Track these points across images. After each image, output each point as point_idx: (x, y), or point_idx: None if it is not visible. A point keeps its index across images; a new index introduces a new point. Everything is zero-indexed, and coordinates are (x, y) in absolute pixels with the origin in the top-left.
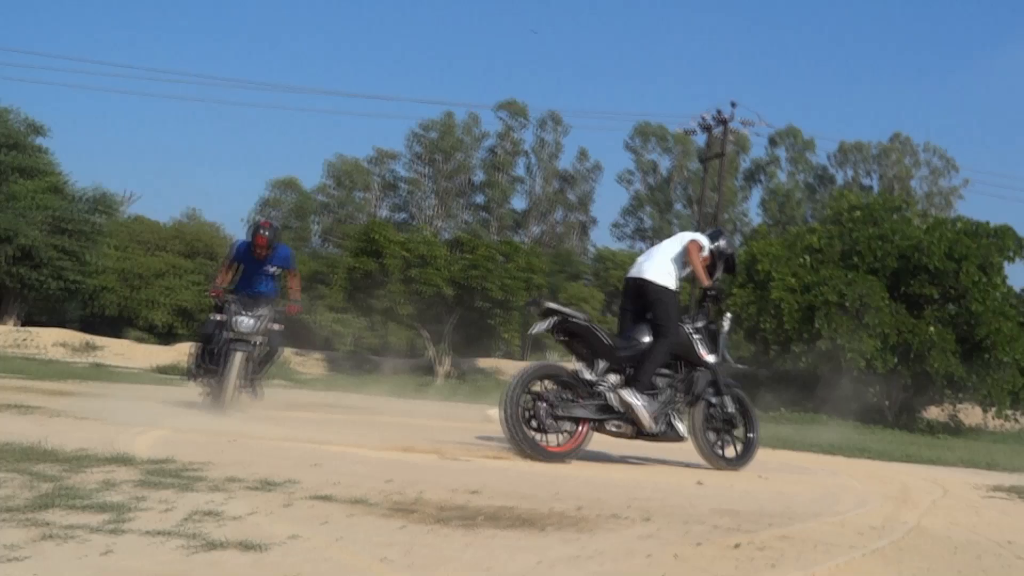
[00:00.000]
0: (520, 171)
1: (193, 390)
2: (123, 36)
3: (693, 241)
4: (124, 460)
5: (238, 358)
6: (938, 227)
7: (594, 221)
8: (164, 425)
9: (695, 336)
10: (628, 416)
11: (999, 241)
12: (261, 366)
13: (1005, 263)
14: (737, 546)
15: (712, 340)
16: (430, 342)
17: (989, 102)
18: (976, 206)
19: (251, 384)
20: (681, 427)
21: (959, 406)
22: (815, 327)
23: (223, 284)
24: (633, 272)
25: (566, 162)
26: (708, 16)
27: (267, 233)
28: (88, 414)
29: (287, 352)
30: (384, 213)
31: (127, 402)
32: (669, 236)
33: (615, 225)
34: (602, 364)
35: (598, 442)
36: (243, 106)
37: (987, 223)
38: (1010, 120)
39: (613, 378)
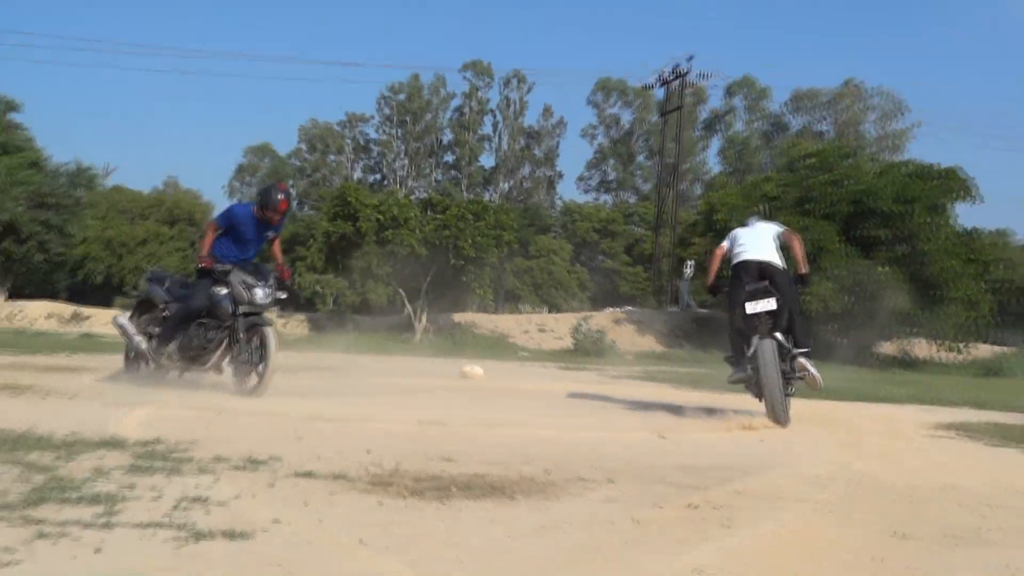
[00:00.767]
0: (487, 129)
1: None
2: (94, 11)
3: (795, 234)
4: (115, 443)
5: (272, 335)
6: (888, 171)
7: (560, 175)
8: (152, 401)
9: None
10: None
11: (946, 183)
12: None
13: (952, 204)
14: (695, 507)
15: None
16: (407, 300)
17: (942, 44)
18: (931, 148)
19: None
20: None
21: (911, 340)
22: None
23: (207, 252)
24: (756, 257)
25: (531, 119)
26: None
27: (286, 197)
28: (79, 392)
29: (269, 314)
30: (358, 175)
31: (115, 377)
32: (632, 187)
33: (580, 178)
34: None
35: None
36: (215, 76)
37: (935, 166)
38: (964, 62)
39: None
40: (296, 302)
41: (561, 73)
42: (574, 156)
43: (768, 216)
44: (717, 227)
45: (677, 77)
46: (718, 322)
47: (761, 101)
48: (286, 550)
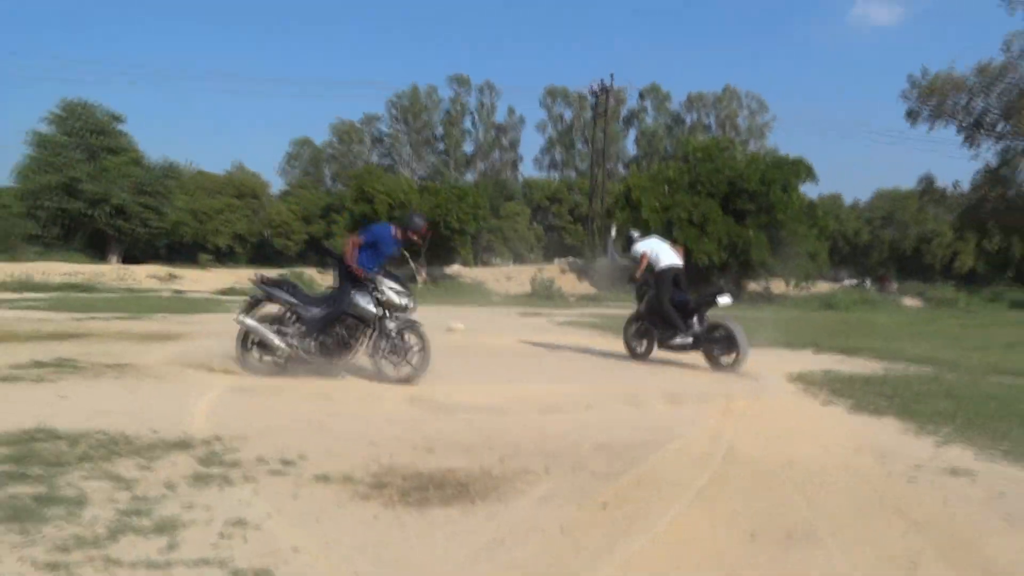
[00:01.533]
0: (467, 125)
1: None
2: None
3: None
4: (184, 444)
5: (427, 333)
6: (754, 161)
7: (521, 158)
8: (221, 385)
9: None
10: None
11: (795, 169)
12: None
13: (799, 184)
14: (606, 506)
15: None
16: (410, 258)
17: (798, 58)
18: (784, 136)
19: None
20: None
21: (770, 281)
22: (673, 236)
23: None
24: (677, 263)
25: (500, 117)
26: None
27: (426, 222)
28: (165, 374)
29: (312, 271)
30: (374, 159)
31: (193, 351)
32: (573, 166)
33: (535, 161)
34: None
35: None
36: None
37: (787, 156)
38: (809, 70)
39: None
40: (323, 262)
41: (520, 83)
42: (531, 144)
43: (670, 195)
44: (632, 203)
45: (604, 91)
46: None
47: (664, 102)
48: None
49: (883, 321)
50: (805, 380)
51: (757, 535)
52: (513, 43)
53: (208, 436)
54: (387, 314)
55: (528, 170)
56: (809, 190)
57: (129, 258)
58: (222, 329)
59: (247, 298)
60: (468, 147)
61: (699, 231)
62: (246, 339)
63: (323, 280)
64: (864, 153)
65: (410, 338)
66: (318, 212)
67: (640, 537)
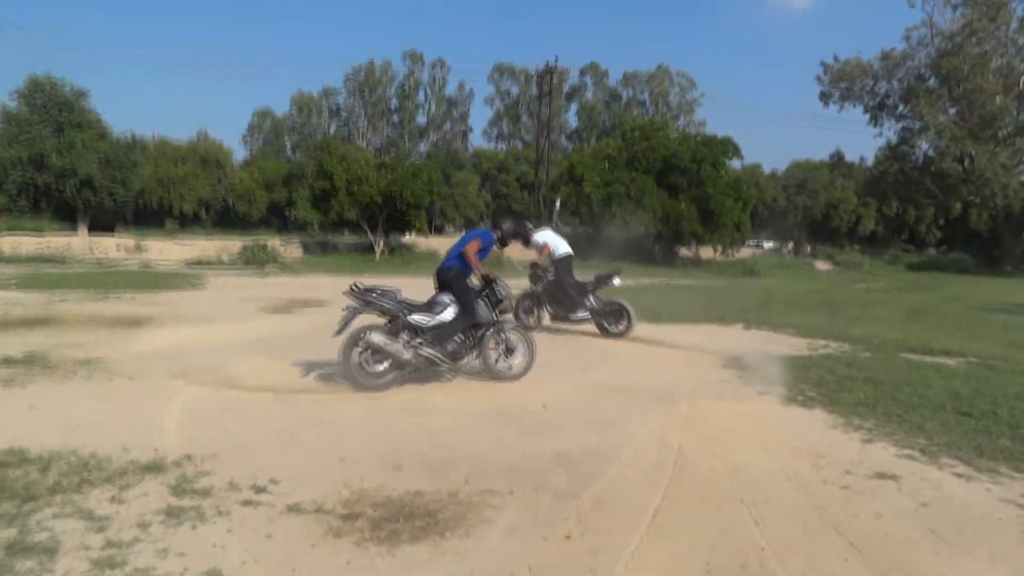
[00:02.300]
0: (421, 98)
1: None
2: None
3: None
4: (155, 468)
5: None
6: (686, 140)
7: (471, 129)
8: (189, 388)
9: None
10: None
11: (723, 147)
12: None
13: (727, 161)
14: (569, 538)
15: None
16: (369, 231)
17: (725, 38)
18: (713, 111)
19: None
20: None
21: (700, 248)
22: (612, 209)
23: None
24: (571, 251)
25: (451, 90)
26: None
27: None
28: (136, 371)
29: (276, 241)
30: (332, 131)
31: (164, 342)
32: (520, 138)
33: (484, 132)
34: None
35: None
36: (235, 65)
37: (716, 135)
38: (736, 48)
39: None
40: (285, 227)
41: (470, 59)
42: (480, 116)
43: (609, 171)
44: (576, 179)
45: (548, 71)
46: (577, 239)
47: (603, 79)
48: None
49: (801, 289)
50: (739, 366)
51: (713, 571)
52: (464, 22)
53: (179, 456)
54: (499, 316)
55: (477, 141)
56: (735, 163)
57: (97, 225)
58: (186, 311)
59: (344, 312)
60: (421, 119)
61: (636, 204)
62: (353, 353)
63: (286, 252)
64: (781, 127)
65: (515, 337)
66: (279, 180)
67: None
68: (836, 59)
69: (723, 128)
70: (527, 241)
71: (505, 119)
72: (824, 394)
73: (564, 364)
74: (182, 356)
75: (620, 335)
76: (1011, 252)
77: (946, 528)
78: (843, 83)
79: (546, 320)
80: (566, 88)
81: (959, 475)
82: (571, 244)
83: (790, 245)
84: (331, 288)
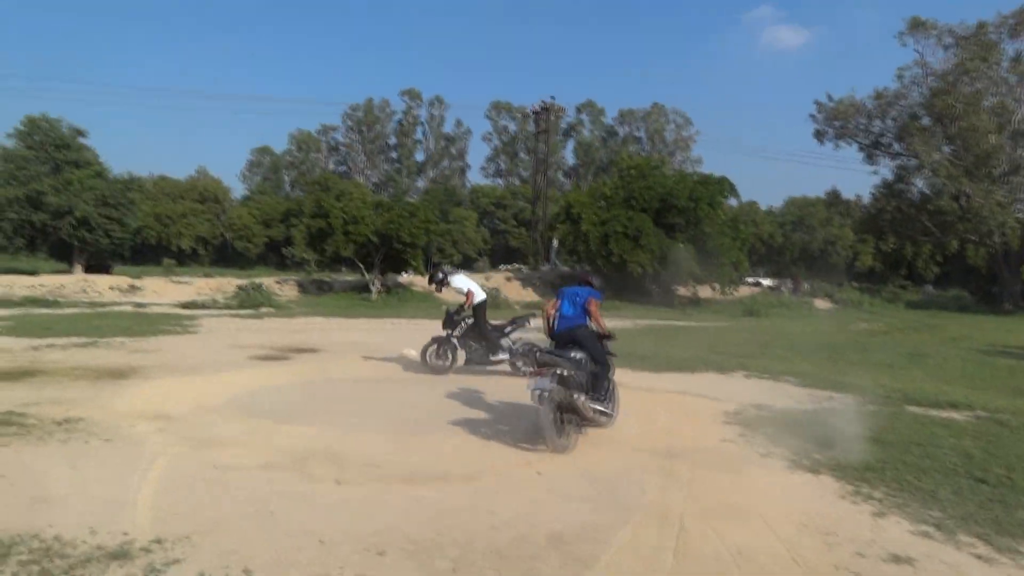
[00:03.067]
0: (419, 135)
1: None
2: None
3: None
4: (122, 555)
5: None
6: (682, 179)
7: (469, 166)
8: (170, 449)
9: None
10: None
11: (720, 186)
12: None
13: (724, 200)
14: None
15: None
16: (365, 271)
17: (716, 76)
18: (708, 148)
19: None
20: None
21: (698, 287)
22: (610, 248)
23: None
24: (485, 296)
25: (448, 127)
26: (537, 16)
27: None
28: (115, 432)
29: (270, 280)
30: (331, 167)
31: (151, 402)
32: (517, 174)
33: (482, 169)
34: None
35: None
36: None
37: (712, 175)
38: (730, 89)
39: None
40: (283, 264)
41: (468, 97)
42: (477, 153)
43: (606, 210)
44: (573, 217)
45: (545, 109)
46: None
47: (599, 117)
48: None
49: (800, 331)
50: (741, 422)
51: None
52: (462, 60)
53: (149, 540)
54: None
55: (475, 177)
56: (732, 201)
57: (94, 263)
58: (174, 360)
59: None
60: (419, 156)
61: (634, 243)
62: (553, 415)
63: (282, 291)
64: (775, 163)
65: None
66: (278, 217)
67: None
68: (830, 98)
69: (718, 164)
70: (442, 285)
71: (503, 156)
72: (830, 456)
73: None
74: (164, 414)
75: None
76: (1011, 290)
77: None
78: (837, 122)
79: (459, 363)
80: (563, 125)
81: (979, 557)
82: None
83: (788, 283)
84: (324, 332)
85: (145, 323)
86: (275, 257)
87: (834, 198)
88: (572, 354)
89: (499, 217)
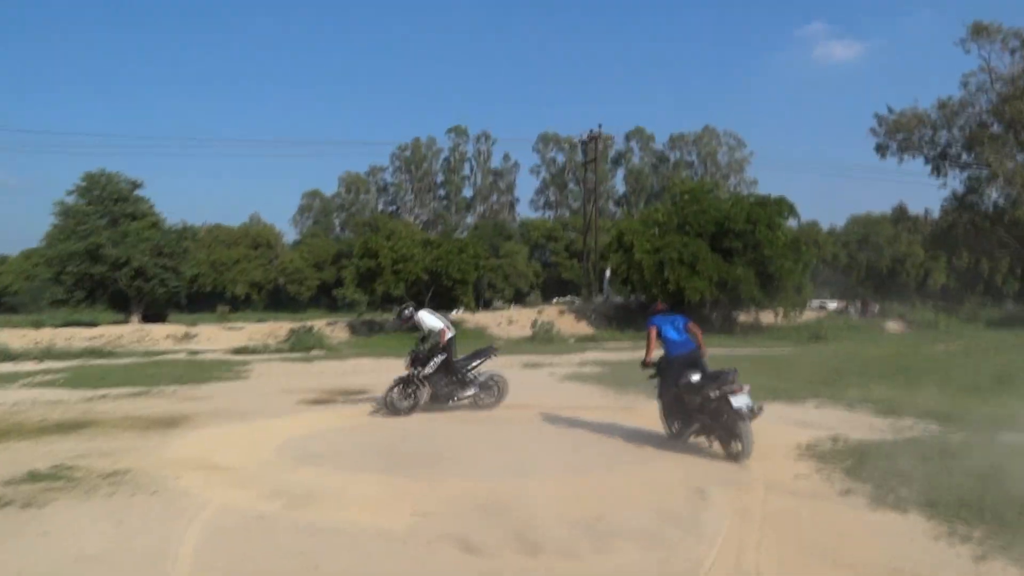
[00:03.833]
0: (466, 171)
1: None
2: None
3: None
4: None
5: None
6: (738, 201)
7: (517, 200)
8: (214, 502)
9: None
10: None
11: (778, 206)
12: None
13: (783, 221)
14: None
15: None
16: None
17: (769, 95)
18: (763, 169)
19: None
20: None
21: (760, 313)
22: (665, 275)
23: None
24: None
25: (496, 162)
26: (580, 45)
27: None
28: (160, 485)
29: (321, 322)
30: (380, 207)
31: (198, 452)
32: (566, 206)
33: (531, 202)
34: None
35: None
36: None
37: (769, 196)
38: (783, 107)
39: None
40: (335, 306)
41: (514, 130)
42: (526, 186)
43: (660, 236)
44: (625, 246)
45: (592, 138)
46: (629, 309)
47: (649, 143)
48: None
49: (874, 354)
50: (816, 455)
51: None
52: (507, 94)
53: None
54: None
55: (524, 210)
56: (791, 222)
57: (150, 312)
58: (225, 406)
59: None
60: (468, 192)
61: (690, 270)
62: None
63: (332, 334)
64: (835, 181)
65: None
66: (328, 259)
67: None
68: (890, 110)
69: (775, 186)
70: (408, 323)
71: (552, 187)
72: (919, 492)
73: (614, 451)
74: (211, 464)
75: (491, 407)
76: None
77: None
78: (900, 134)
79: (424, 401)
80: (612, 153)
81: None
82: (624, 313)
83: (857, 304)
84: (373, 373)
85: (197, 370)
86: (327, 300)
87: (901, 214)
88: (694, 375)
89: (550, 249)
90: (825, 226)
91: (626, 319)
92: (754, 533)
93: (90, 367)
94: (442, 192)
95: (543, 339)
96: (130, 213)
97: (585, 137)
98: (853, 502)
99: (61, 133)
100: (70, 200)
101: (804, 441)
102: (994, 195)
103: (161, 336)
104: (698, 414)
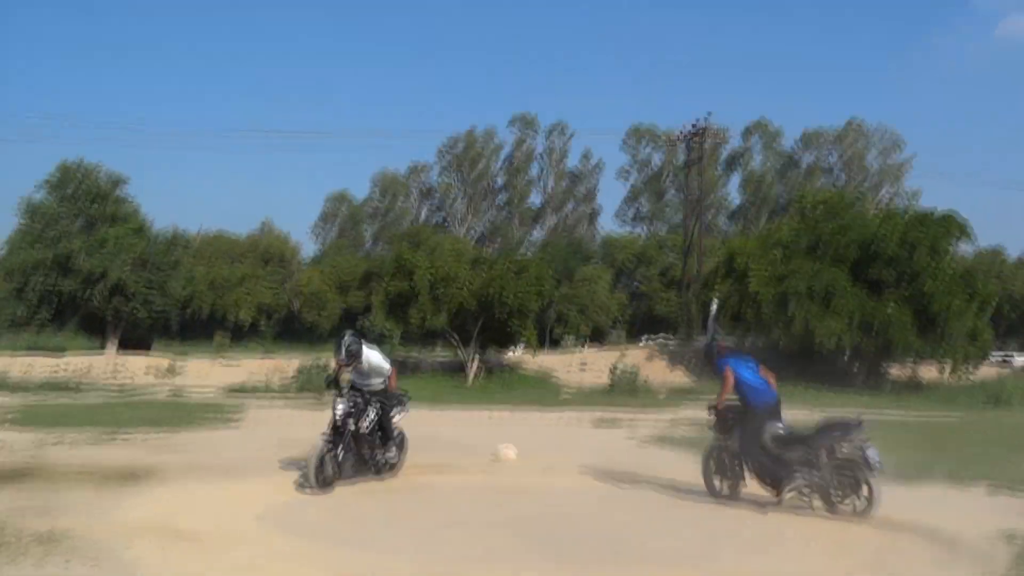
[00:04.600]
0: (534, 172)
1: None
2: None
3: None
4: None
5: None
6: (891, 218)
7: (600, 210)
8: (182, 565)
9: None
10: None
11: (945, 225)
12: None
13: (952, 246)
14: None
15: None
16: (460, 345)
17: (936, 83)
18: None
19: None
20: None
21: (918, 366)
22: (789, 313)
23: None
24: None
25: (573, 161)
26: (684, 24)
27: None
28: (103, 552)
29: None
30: (424, 216)
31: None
32: (663, 219)
33: (617, 214)
34: None
35: None
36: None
37: (933, 211)
38: (956, 99)
39: None
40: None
41: (598, 123)
42: (612, 194)
43: (783, 261)
44: (736, 272)
45: (697, 132)
46: (744, 351)
47: (774, 141)
48: None
49: None
50: (986, 566)
51: None
52: (588, 75)
53: None
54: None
55: (609, 225)
56: (964, 247)
57: (132, 339)
58: (203, 460)
59: None
60: (535, 199)
61: (822, 307)
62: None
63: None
64: None
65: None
66: (356, 280)
67: None
68: None
69: (943, 198)
70: (354, 359)
71: (644, 196)
72: None
73: (704, 549)
74: (173, 530)
75: (394, 474)
76: None
77: None
78: None
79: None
80: (725, 153)
81: None
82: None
83: None
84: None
85: (179, 413)
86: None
87: None
88: (778, 426)
89: (640, 275)
90: (1012, 255)
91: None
92: None
93: (48, 404)
94: (502, 199)
95: (625, 389)
96: (109, 215)
97: (689, 131)
98: None
99: (34, 116)
100: (38, 197)
101: (970, 545)
102: None
103: (139, 369)
104: (805, 469)
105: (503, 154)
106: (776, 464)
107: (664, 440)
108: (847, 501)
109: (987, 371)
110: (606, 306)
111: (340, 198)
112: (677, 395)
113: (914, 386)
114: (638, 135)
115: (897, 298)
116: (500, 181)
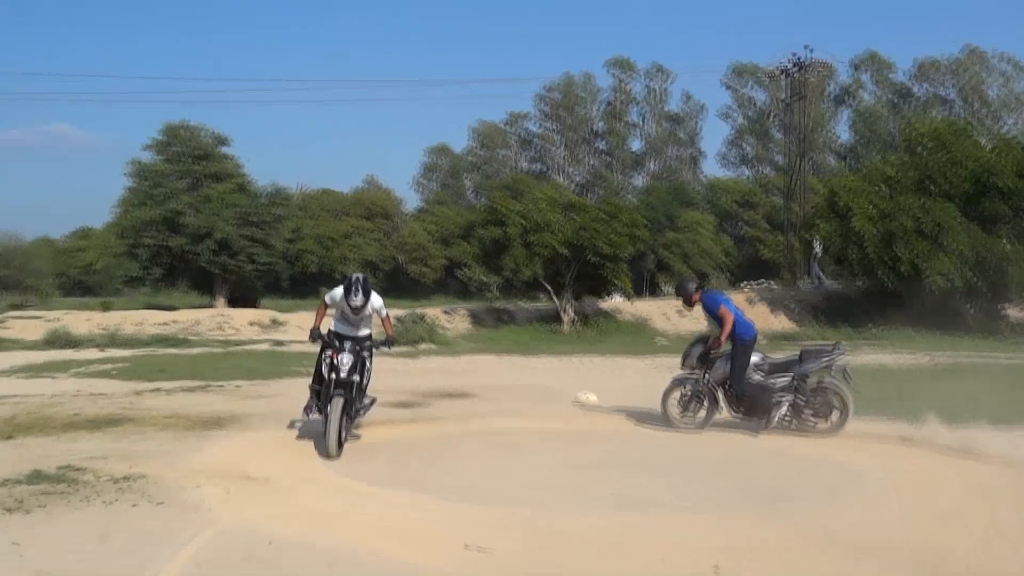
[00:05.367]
0: (634, 117)
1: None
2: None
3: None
4: None
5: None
6: (1006, 148)
7: (702, 153)
8: (219, 521)
9: None
10: None
11: None
12: None
13: None
14: None
15: None
16: (554, 294)
17: None
18: None
19: None
20: None
21: None
22: (895, 252)
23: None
24: None
25: (673, 105)
26: None
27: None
28: (171, 496)
29: (436, 310)
30: (524, 165)
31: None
32: (768, 160)
33: (721, 156)
34: None
35: None
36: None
37: None
38: None
39: None
40: (466, 291)
41: (697, 62)
42: (714, 135)
43: (889, 198)
44: (839, 210)
45: (798, 67)
46: (849, 298)
47: (886, 73)
48: None
49: None
50: None
51: None
52: (685, 14)
53: None
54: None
55: (712, 168)
56: None
57: (239, 295)
58: (288, 408)
59: None
60: (636, 144)
61: (932, 244)
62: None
63: (449, 322)
64: None
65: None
66: (458, 232)
67: None
68: None
69: None
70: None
71: (748, 137)
72: None
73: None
74: (243, 474)
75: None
76: None
77: None
78: None
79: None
80: (834, 90)
81: None
82: (839, 303)
83: None
84: (488, 374)
85: (274, 363)
86: (456, 283)
87: None
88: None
89: (746, 220)
90: None
91: (841, 312)
92: None
93: (155, 357)
94: (602, 144)
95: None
96: (213, 173)
97: (790, 65)
98: None
99: (137, 78)
100: (146, 158)
101: None
102: None
103: (244, 323)
104: (788, 395)
105: (601, 99)
106: (763, 392)
107: None
108: (826, 421)
109: None
110: (710, 252)
111: (440, 150)
112: (777, 342)
113: None
114: (740, 73)
115: (1014, 233)
116: (600, 127)
